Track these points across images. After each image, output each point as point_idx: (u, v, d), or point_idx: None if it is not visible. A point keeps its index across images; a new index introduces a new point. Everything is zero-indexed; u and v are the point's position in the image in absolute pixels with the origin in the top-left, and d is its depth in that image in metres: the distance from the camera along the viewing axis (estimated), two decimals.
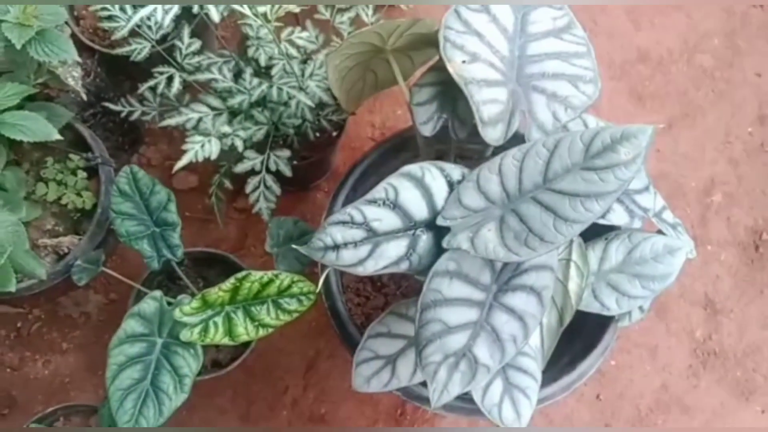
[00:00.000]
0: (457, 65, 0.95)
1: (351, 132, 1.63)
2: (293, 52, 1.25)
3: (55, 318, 1.50)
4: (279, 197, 1.25)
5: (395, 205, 0.86)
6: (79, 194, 1.31)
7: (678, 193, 1.69)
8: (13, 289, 1.06)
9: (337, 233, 0.85)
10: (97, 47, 1.40)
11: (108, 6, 1.15)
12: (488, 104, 0.92)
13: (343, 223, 0.85)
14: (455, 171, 0.90)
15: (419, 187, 0.88)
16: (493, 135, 0.91)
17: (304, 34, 1.27)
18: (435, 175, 0.89)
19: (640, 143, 0.80)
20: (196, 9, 1.07)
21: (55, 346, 1.49)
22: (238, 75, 1.23)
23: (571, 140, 0.83)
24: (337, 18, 1.27)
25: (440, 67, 1.04)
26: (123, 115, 1.28)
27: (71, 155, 1.33)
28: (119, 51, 1.17)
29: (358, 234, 0.85)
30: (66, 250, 1.30)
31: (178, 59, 1.22)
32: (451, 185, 0.89)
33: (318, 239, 0.85)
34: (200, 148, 1.13)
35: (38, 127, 1.09)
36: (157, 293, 1.11)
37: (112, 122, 1.47)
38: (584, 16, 1.87)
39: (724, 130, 1.75)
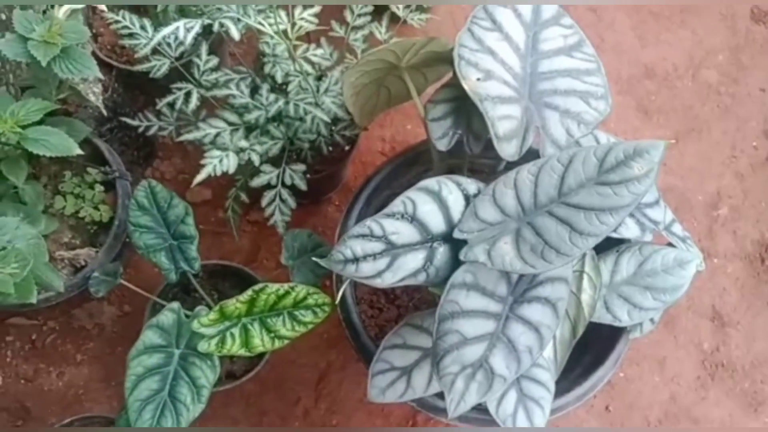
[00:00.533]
0: (472, 82, 0.97)
1: (362, 146, 1.66)
2: (308, 68, 1.27)
3: (69, 330, 1.52)
4: (294, 210, 1.26)
5: (413, 219, 0.88)
6: (96, 207, 1.33)
7: (685, 206, 1.71)
8: (34, 300, 1.08)
9: (357, 246, 0.87)
10: (114, 64, 1.42)
11: (129, 24, 1.18)
12: (503, 120, 0.94)
13: (363, 236, 0.87)
14: (471, 185, 0.92)
15: (436, 200, 0.90)
16: (508, 150, 0.94)
17: (319, 51, 1.29)
18: (451, 188, 0.91)
19: (652, 158, 0.82)
20: (215, 27, 1.10)
21: (70, 358, 1.50)
22: (254, 91, 1.26)
23: (585, 155, 0.85)
24: (351, 35, 1.30)
25: (454, 84, 1.07)
26: (140, 130, 1.31)
27: (89, 169, 1.35)
28: (139, 68, 1.20)
29: (377, 247, 0.87)
30: (83, 263, 1.32)
31: (196, 75, 1.24)
32: (468, 199, 0.91)
33: (338, 252, 0.87)
34: (218, 163, 1.15)
35: (60, 142, 1.11)
36: (175, 305, 1.13)
37: (128, 137, 1.49)
38: (591, 33, 1.89)
39: (730, 144, 1.77)
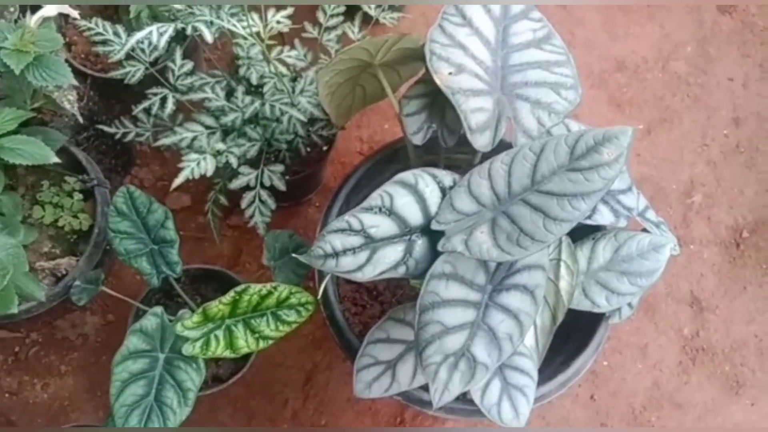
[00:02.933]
0: (443, 77, 0.99)
1: (340, 147, 1.67)
2: (283, 70, 1.28)
3: (52, 341, 1.51)
4: (274, 211, 1.27)
5: (391, 212, 0.89)
6: (75, 216, 1.33)
7: (660, 195, 1.74)
8: (15, 310, 1.07)
9: (336, 240, 0.88)
10: (89, 72, 1.42)
11: (101, 31, 1.18)
12: (475, 112, 0.96)
13: (342, 230, 0.88)
14: (447, 177, 0.94)
15: (413, 193, 0.91)
16: (481, 141, 0.95)
17: (293, 52, 1.30)
18: (428, 181, 0.92)
19: (621, 143, 0.84)
20: (189, 31, 1.10)
21: (54, 369, 1.49)
22: (230, 94, 1.26)
23: (557, 143, 0.87)
24: (324, 36, 1.31)
25: (427, 80, 1.08)
26: (117, 137, 1.31)
27: (67, 178, 1.35)
28: (113, 74, 1.20)
29: (356, 241, 0.88)
30: (64, 272, 1.32)
31: (171, 80, 1.25)
32: (444, 191, 0.93)
33: (318, 247, 0.88)
34: (196, 166, 1.15)
35: (36, 151, 1.11)
36: (158, 309, 1.13)
37: (105, 145, 1.49)
38: (562, 28, 1.92)
39: (701, 133, 1.80)
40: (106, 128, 1.31)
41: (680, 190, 1.74)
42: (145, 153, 1.65)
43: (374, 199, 0.89)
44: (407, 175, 0.91)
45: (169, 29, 1.05)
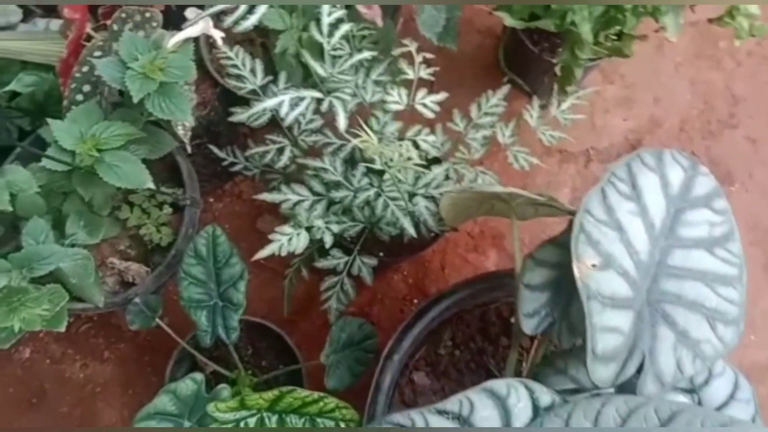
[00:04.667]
0: (584, 268, 0.82)
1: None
2: (414, 155, 1.14)
3: (105, 324, 1.48)
4: (352, 301, 1.16)
5: (465, 422, 0.76)
6: (158, 229, 1.27)
7: None
8: (62, 329, 1.03)
9: None
10: (221, 81, 1.34)
11: (239, 64, 1.09)
12: (606, 333, 0.79)
13: (401, 426, 0.75)
14: (545, 396, 0.78)
15: (499, 407, 0.76)
16: (602, 374, 0.79)
17: (431, 137, 1.16)
18: (521, 395, 0.78)
19: None
20: (324, 107, 0.99)
21: (97, 352, 1.47)
22: (349, 163, 1.15)
23: (690, 420, 0.70)
24: (470, 133, 1.16)
25: (564, 244, 0.92)
26: (224, 164, 1.23)
27: (163, 188, 1.29)
28: (236, 118, 1.09)
29: None
30: (131, 279, 1.26)
31: (295, 131, 1.14)
32: (536, 411, 0.78)
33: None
34: (287, 242, 1.05)
35: (134, 173, 1.05)
36: (198, 376, 1.05)
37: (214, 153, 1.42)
38: (740, 164, 1.68)
39: None
40: (216, 151, 1.23)
41: None
42: None
43: (452, 403, 0.75)
44: (499, 385, 0.77)
45: (302, 104, 0.93)
